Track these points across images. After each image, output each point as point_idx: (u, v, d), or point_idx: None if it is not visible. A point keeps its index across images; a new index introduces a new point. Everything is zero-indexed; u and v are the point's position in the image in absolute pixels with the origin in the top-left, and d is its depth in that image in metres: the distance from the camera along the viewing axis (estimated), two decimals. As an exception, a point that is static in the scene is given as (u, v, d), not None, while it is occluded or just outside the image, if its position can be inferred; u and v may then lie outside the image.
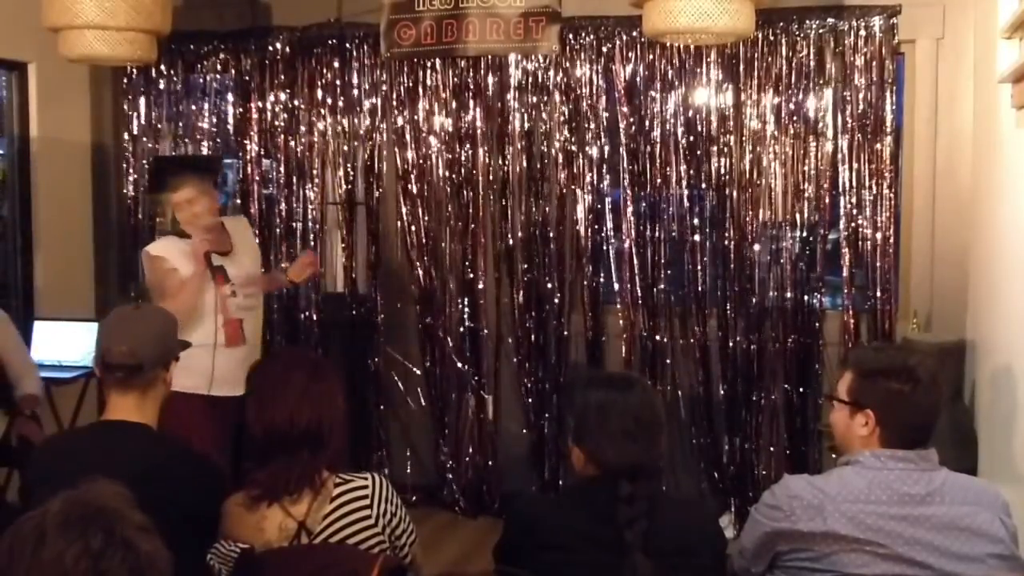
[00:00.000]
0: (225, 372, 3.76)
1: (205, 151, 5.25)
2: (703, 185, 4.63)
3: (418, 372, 5.06)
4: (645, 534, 2.03)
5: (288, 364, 2.33)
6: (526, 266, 4.85)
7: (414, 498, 4.80)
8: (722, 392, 4.65)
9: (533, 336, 4.86)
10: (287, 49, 5.07)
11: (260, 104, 5.13)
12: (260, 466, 2.23)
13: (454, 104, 4.88)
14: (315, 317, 5.14)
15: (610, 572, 2.02)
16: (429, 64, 4.88)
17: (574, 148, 4.75)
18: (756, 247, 4.58)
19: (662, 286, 4.70)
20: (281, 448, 2.20)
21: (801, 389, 4.57)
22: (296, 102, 5.08)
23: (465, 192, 4.91)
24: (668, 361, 4.71)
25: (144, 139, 5.31)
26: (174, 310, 3.62)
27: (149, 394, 2.35)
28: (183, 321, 3.66)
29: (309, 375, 2.27)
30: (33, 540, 1.29)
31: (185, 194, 3.78)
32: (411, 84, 4.93)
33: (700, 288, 4.65)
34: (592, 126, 4.72)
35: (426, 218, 4.97)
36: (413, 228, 4.98)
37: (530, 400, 4.89)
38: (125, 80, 5.29)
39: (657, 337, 4.71)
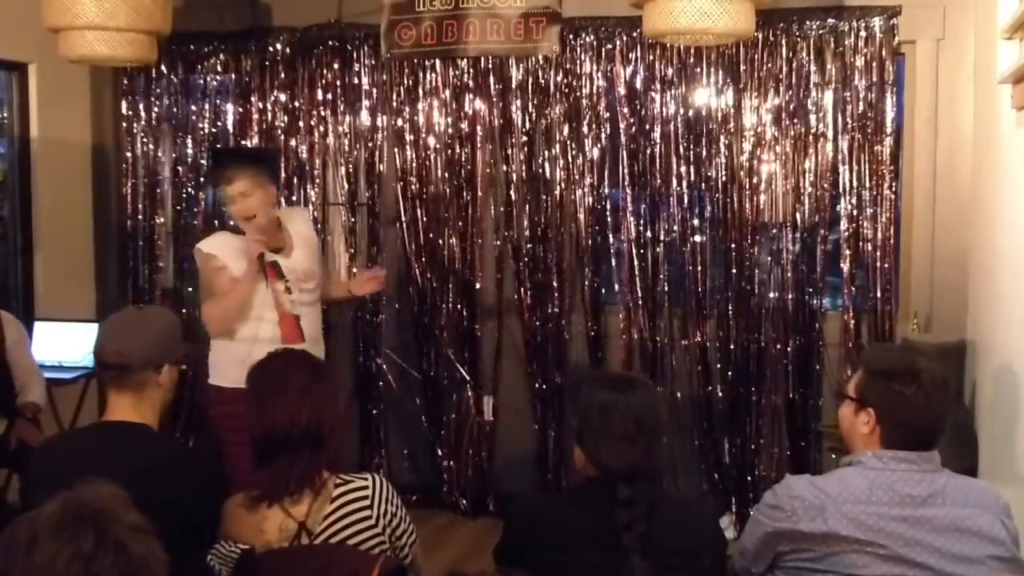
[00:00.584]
0: None
1: (205, 152, 5.26)
2: (703, 186, 4.63)
3: (417, 373, 5.06)
4: (644, 536, 2.03)
5: (288, 365, 2.33)
6: (526, 267, 4.85)
7: (414, 498, 4.80)
8: (722, 393, 4.65)
9: (533, 337, 4.86)
10: (287, 50, 5.07)
11: (260, 105, 5.12)
12: (260, 467, 2.23)
13: (454, 105, 4.88)
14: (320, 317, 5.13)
15: (610, 573, 2.02)
16: (429, 65, 4.88)
17: (574, 149, 4.75)
18: (756, 248, 4.58)
19: (662, 287, 4.70)
20: (281, 449, 2.20)
21: (801, 390, 4.57)
22: (296, 103, 5.08)
23: (465, 192, 4.91)
24: (668, 362, 4.71)
25: (144, 140, 5.31)
26: (222, 309, 3.61)
27: (144, 395, 2.35)
28: (232, 321, 3.62)
29: (309, 375, 2.27)
30: (26, 542, 1.29)
31: (239, 187, 3.61)
32: (411, 85, 4.93)
33: (700, 289, 4.65)
34: (592, 127, 4.72)
35: (426, 218, 4.97)
36: (413, 228, 4.98)
37: (530, 401, 4.89)
38: (125, 81, 5.29)
39: (657, 338, 4.71)
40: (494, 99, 4.82)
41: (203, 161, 5.26)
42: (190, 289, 5.25)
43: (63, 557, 1.27)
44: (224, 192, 3.70)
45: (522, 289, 4.86)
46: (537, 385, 4.87)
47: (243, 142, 5.15)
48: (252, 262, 3.59)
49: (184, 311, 5.16)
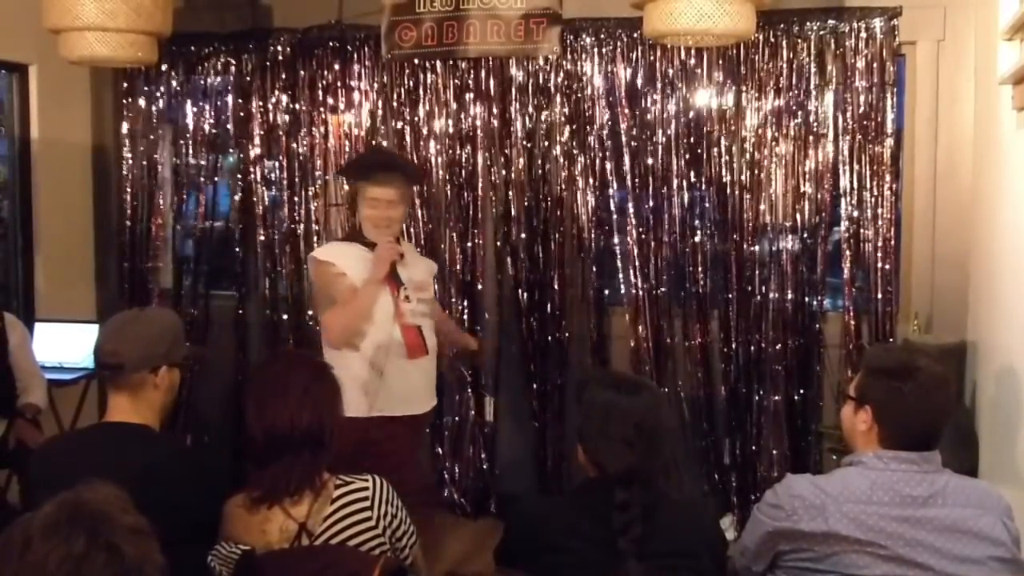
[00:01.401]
0: (406, 387, 3.49)
1: (204, 152, 5.25)
2: (704, 187, 4.63)
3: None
4: (640, 539, 2.03)
5: (289, 366, 2.33)
6: (527, 267, 4.85)
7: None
8: (723, 393, 4.65)
9: (534, 337, 4.86)
10: (288, 51, 5.07)
11: (261, 106, 5.13)
12: (260, 467, 2.23)
13: (455, 105, 4.88)
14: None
15: (610, 574, 2.02)
16: (430, 66, 4.88)
17: (575, 150, 4.75)
18: (757, 248, 4.58)
19: (663, 288, 4.70)
20: (281, 450, 2.20)
21: (802, 390, 4.57)
22: (297, 104, 5.08)
23: (466, 193, 4.90)
24: (669, 362, 4.71)
25: (144, 141, 5.31)
26: (344, 316, 3.41)
27: (140, 396, 2.34)
28: (354, 329, 3.41)
29: (310, 377, 2.27)
30: (20, 543, 1.30)
31: (390, 194, 3.49)
32: (412, 86, 4.93)
33: (701, 289, 4.65)
34: (593, 128, 4.72)
35: (427, 219, 4.97)
36: (414, 229, 4.98)
37: (531, 402, 4.89)
38: (126, 82, 5.29)
39: (658, 338, 4.71)
40: (494, 100, 4.82)
41: (204, 162, 5.27)
42: (190, 288, 5.25)
43: (54, 558, 1.28)
44: (364, 189, 3.53)
45: (522, 289, 4.86)
46: (538, 386, 4.87)
47: (246, 143, 5.16)
48: (386, 266, 3.43)
49: (182, 311, 5.16)
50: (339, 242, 3.72)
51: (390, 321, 3.46)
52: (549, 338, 4.84)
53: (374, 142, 4.99)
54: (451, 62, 4.82)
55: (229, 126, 5.22)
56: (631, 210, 4.69)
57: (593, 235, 4.77)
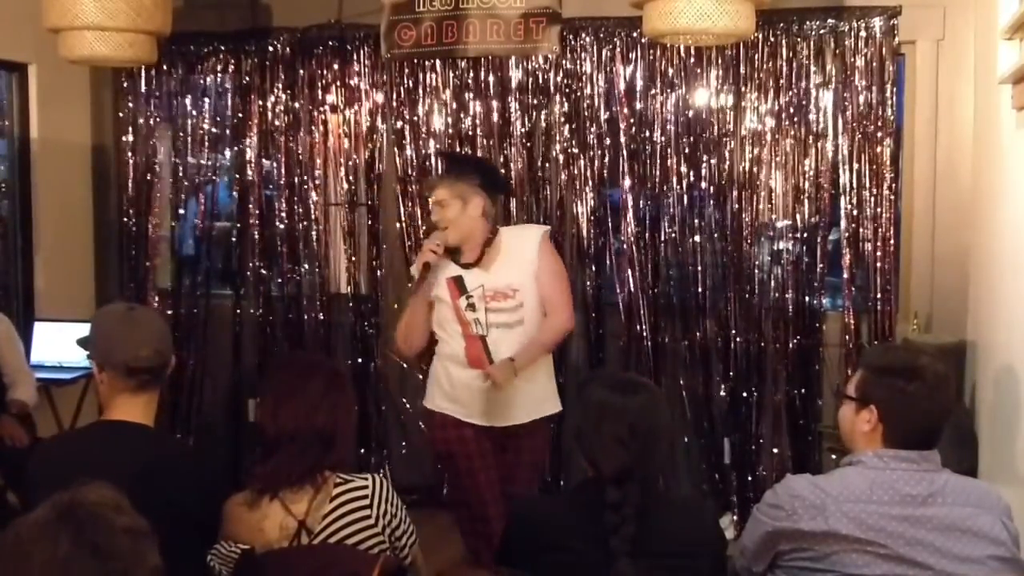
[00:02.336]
0: (468, 398, 3.39)
1: (204, 151, 5.25)
2: (704, 186, 4.63)
3: (418, 374, 5.05)
4: (634, 539, 2.03)
5: (307, 370, 2.33)
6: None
7: (414, 498, 4.79)
8: (723, 393, 4.65)
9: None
10: (288, 50, 5.07)
11: (261, 105, 5.12)
12: (264, 459, 2.23)
13: (454, 105, 4.88)
14: (319, 318, 5.13)
15: (607, 574, 2.02)
16: (429, 65, 4.88)
17: (575, 149, 4.75)
18: (756, 248, 4.58)
19: (663, 287, 4.70)
20: (290, 444, 2.20)
21: (802, 390, 4.57)
22: (297, 103, 5.08)
23: (465, 193, 4.90)
24: (669, 362, 4.71)
25: (144, 140, 5.31)
26: (400, 323, 3.55)
27: (157, 393, 2.35)
28: (405, 336, 3.51)
29: (327, 383, 2.28)
30: (10, 544, 1.29)
31: (437, 195, 3.42)
32: (411, 85, 4.93)
33: (701, 289, 4.65)
34: (592, 127, 4.72)
35: (427, 219, 4.97)
36: (413, 229, 4.98)
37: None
38: (125, 81, 5.29)
39: (658, 338, 4.71)
40: (494, 99, 4.82)
41: (203, 162, 5.26)
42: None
43: (38, 558, 1.27)
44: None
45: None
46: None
47: (245, 142, 5.15)
48: (418, 270, 3.40)
49: (181, 311, 5.17)
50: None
51: (455, 328, 3.39)
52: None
53: (374, 140, 5.00)
54: (450, 61, 4.82)
55: (228, 125, 5.22)
56: (631, 209, 4.69)
57: (592, 234, 4.77)
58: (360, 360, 5.11)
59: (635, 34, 4.52)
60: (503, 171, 4.83)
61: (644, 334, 4.71)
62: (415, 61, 4.85)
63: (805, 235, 4.52)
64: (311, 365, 2.38)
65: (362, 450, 5.08)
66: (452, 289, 3.37)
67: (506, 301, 3.36)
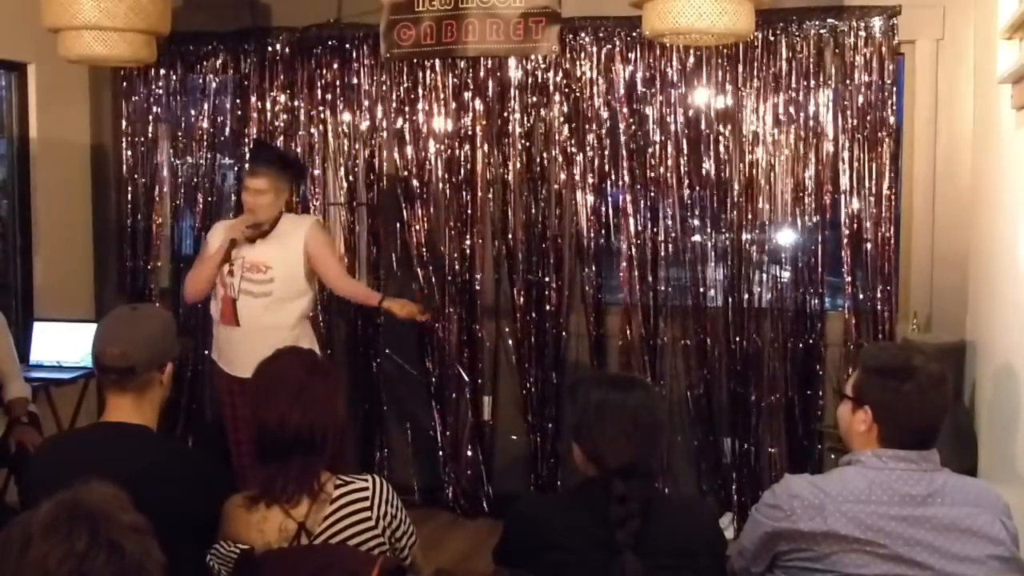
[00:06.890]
0: (226, 349, 3.97)
1: (205, 151, 5.25)
2: (703, 185, 4.63)
3: (417, 374, 5.05)
4: (638, 534, 2.03)
5: (287, 362, 2.32)
6: (526, 267, 4.85)
7: (415, 497, 4.79)
8: (723, 393, 4.65)
9: (532, 337, 4.86)
10: (287, 50, 5.07)
11: (260, 105, 5.12)
12: (262, 462, 2.23)
13: (454, 104, 4.88)
14: (319, 318, 5.13)
15: (608, 572, 2.02)
16: (429, 65, 4.88)
17: (574, 148, 4.75)
18: (756, 247, 4.58)
19: (662, 287, 4.70)
20: (274, 450, 2.19)
21: (801, 390, 4.56)
22: (296, 103, 5.08)
23: (465, 192, 4.90)
24: (668, 362, 4.71)
25: (143, 140, 5.30)
26: (187, 277, 4.08)
27: (145, 396, 2.32)
28: (189, 289, 4.04)
29: (306, 374, 2.25)
30: (20, 542, 1.29)
31: (258, 183, 3.90)
32: (411, 85, 4.93)
33: (700, 288, 4.65)
34: (592, 126, 4.72)
35: (426, 219, 4.97)
36: (413, 229, 4.98)
37: (529, 401, 4.88)
38: (124, 81, 5.29)
39: (657, 338, 4.71)
40: (493, 99, 4.82)
41: (203, 161, 5.26)
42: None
43: (55, 556, 1.27)
44: (245, 178, 4.00)
45: (521, 289, 4.86)
46: (536, 386, 4.86)
47: (243, 141, 5.15)
48: (227, 240, 3.89)
49: (181, 311, 5.16)
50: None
51: (220, 292, 3.96)
52: (548, 337, 4.84)
53: (373, 140, 5.00)
54: (450, 61, 4.82)
55: (228, 125, 5.22)
56: (630, 209, 4.69)
57: (592, 234, 4.77)
58: (360, 360, 5.10)
59: (635, 34, 4.52)
60: (501, 170, 4.84)
61: (644, 334, 4.71)
62: (414, 61, 4.85)
63: (805, 235, 4.52)
64: (290, 359, 2.34)
65: (363, 450, 5.08)
66: (224, 254, 3.91)
67: (257, 274, 3.91)
